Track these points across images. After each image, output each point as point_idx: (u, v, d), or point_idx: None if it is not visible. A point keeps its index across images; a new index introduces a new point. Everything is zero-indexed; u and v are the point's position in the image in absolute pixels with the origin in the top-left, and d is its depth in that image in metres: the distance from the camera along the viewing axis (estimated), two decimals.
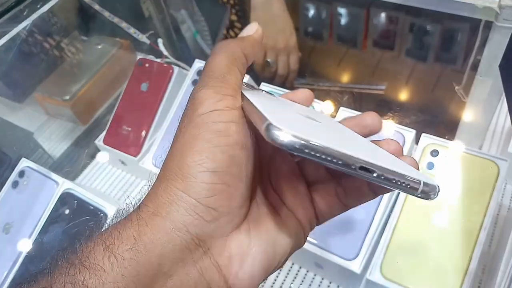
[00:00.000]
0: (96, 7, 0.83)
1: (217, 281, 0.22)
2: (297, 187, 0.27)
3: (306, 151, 0.18)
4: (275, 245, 0.25)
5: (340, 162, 0.19)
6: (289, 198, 0.27)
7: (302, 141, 0.18)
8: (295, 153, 0.18)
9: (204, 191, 0.22)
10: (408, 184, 0.21)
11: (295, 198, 0.27)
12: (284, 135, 0.18)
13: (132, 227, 0.21)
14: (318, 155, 0.18)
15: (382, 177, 0.20)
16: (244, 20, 0.95)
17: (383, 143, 0.27)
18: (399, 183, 0.20)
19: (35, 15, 0.76)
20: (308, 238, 0.54)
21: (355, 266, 0.52)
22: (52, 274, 0.20)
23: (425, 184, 0.21)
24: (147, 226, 0.21)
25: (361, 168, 0.19)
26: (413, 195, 0.21)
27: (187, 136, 0.23)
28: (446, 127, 0.68)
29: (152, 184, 0.24)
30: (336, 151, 0.19)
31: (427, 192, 0.22)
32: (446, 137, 0.55)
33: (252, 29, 0.29)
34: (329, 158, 0.19)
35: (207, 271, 0.22)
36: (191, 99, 0.24)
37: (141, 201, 0.23)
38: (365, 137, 0.28)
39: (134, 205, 0.24)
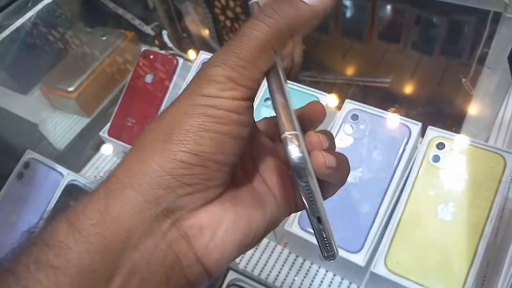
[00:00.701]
0: None
1: (186, 253, 0.22)
2: (281, 169, 0.27)
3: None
4: (250, 221, 0.24)
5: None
6: (270, 178, 0.27)
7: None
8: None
9: (182, 169, 0.21)
10: (328, 246, 0.24)
11: (276, 178, 0.27)
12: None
13: (99, 200, 0.20)
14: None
15: (321, 228, 0.23)
16: (249, 13, 0.94)
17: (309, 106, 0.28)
18: (325, 240, 0.24)
19: (39, 7, 0.76)
20: (311, 229, 0.54)
21: (360, 259, 0.52)
22: (17, 256, 0.20)
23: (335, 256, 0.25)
24: (115, 198, 0.20)
25: (318, 218, 0.23)
26: (322, 252, 0.25)
27: (181, 112, 0.22)
28: (452, 120, 0.67)
29: (127, 153, 0.22)
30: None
31: (328, 258, 0.25)
32: (453, 129, 0.55)
33: None
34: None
35: (175, 243, 0.21)
36: (202, 71, 0.22)
37: (112, 171, 0.22)
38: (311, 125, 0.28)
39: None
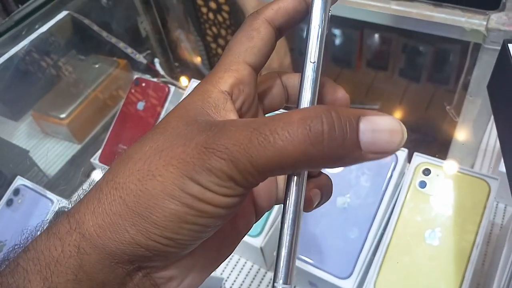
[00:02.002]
0: (95, 27, 0.84)
1: None
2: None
3: None
4: (220, 257, 0.25)
5: None
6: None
7: None
8: None
9: (156, 250, 0.20)
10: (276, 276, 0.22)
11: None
12: None
13: (70, 255, 0.19)
14: None
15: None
16: None
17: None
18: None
19: (34, 35, 0.77)
20: (302, 257, 0.55)
21: (349, 284, 0.52)
22: None
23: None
24: (89, 256, 0.20)
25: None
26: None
27: (166, 189, 0.20)
28: (439, 146, 0.69)
29: (96, 197, 0.21)
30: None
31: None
32: (437, 155, 0.56)
33: None
34: None
35: None
36: (208, 150, 0.19)
37: (78, 217, 0.20)
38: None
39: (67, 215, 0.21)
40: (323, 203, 0.26)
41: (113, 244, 0.20)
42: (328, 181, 0.26)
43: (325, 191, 0.25)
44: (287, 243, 0.21)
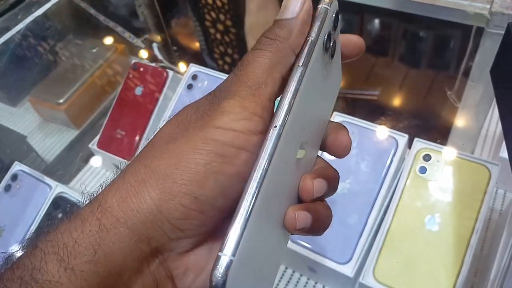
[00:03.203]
0: (91, 11, 0.83)
1: None
2: None
3: None
4: None
5: None
6: None
7: None
8: None
9: (178, 212, 0.20)
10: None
11: None
12: None
13: (90, 234, 0.19)
14: None
15: None
16: (239, 25, 0.95)
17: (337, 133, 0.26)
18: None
19: (29, 19, 0.76)
20: (302, 242, 0.55)
21: (348, 270, 0.52)
22: None
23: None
24: (109, 233, 0.19)
25: None
26: None
27: (191, 145, 0.20)
28: (439, 132, 0.68)
29: (121, 177, 0.21)
30: None
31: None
32: (439, 141, 0.55)
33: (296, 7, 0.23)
34: None
35: (161, 282, 0.21)
36: (215, 104, 0.22)
37: (104, 195, 0.21)
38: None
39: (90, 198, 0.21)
40: (328, 196, 0.25)
41: (134, 215, 0.20)
42: (336, 173, 0.25)
43: (332, 184, 0.25)
44: (244, 213, 0.20)
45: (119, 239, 0.20)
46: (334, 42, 0.26)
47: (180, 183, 0.20)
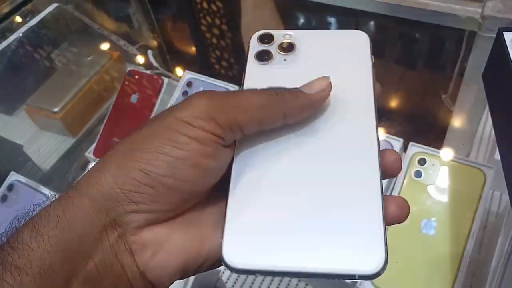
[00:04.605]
0: (86, 19, 0.83)
1: (131, 266, 0.23)
2: None
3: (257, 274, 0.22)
4: (202, 246, 0.24)
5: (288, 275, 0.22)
6: None
7: (252, 270, 0.22)
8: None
9: (131, 185, 0.22)
10: (343, 276, 0.22)
11: None
12: (236, 266, 0.22)
13: (59, 206, 0.22)
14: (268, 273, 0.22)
15: (322, 275, 0.22)
16: (235, 29, 0.95)
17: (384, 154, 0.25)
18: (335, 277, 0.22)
19: (24, 28, 0.76)
20: None
21: None
22: None
23: (360, 276, 0.21)
24: (72, 205, 0.22)
25: (304, 274, 0.22)
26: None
27: (151, 130, 0.23)
28: (434, 135, 0.69)
29: (96, 162, 0.24)
30: (283, 271, 0.22)
31: (367, 277, 0.21)
32: (433, 145, 0.56)
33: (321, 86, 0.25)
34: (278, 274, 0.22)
35: (121, 255, 0.23)
36: (186, 98, 0.24)
37: (79, 178, 0.24)
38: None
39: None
40: None
41: (94, 187, 0.22)
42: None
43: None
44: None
45: (80, 209, 0.22)
46: None
47: (133, 160, 0.22)
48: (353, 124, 0.26)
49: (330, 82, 0.25)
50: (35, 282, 0.20)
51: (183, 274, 0.24)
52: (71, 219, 0.22)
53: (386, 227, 0.22)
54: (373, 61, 0.28)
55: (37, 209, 0.23)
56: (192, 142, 0.22)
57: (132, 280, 0.23)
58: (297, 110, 0.25)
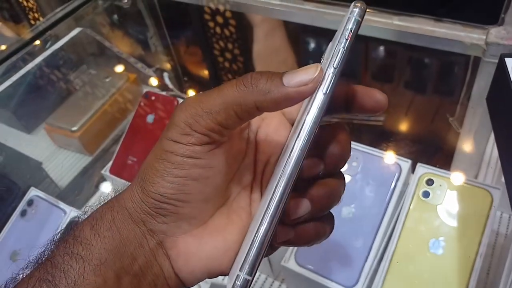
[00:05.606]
0: (106, 43, 0.87)
1: (167, 268, 0.27)
2: None
3: None
4: (226, 253, 0.27)
5: None
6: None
7: None
8: None
9: (154, 205, 0.26)
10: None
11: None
12: None
13: (109, 213, 0.26)
14: None
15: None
16: (246, 53, 0.98)
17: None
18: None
19: (47, 52, 0.79)
20: (308, 266, 0.56)
21: None
22: (53, 251, 0.25)
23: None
24: (118, 214, 0.26)
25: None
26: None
27: (154, 155, 0.26)
28: (442, 157, 0.70)
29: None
30: None
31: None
32: (440, 166, 0.57)
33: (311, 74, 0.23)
34: None
35: (159, 258, 0.27)
36: (173, 114, 0.26)
37: (119, 192, 0.28)
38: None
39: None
40: (317, 215, 0.27)
41: (129, 203, 0.26)
42: (324, 191, 0.27)
43: (322, 202, 0.27)
44: (261, 236, 0.23)
45: (124, 219, 0.26)
46: None
47: (148, 184, 0.26)
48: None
49: (319, 74, 0.23)
50: (94, 271, 0.24)
51: (208, 277, 0.28)
52: (119, 226, 0.26)
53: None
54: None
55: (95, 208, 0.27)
56: (186, 160, 0.25)
57: (168, 279, 0.27)
58: (269, 104, 0.24)
